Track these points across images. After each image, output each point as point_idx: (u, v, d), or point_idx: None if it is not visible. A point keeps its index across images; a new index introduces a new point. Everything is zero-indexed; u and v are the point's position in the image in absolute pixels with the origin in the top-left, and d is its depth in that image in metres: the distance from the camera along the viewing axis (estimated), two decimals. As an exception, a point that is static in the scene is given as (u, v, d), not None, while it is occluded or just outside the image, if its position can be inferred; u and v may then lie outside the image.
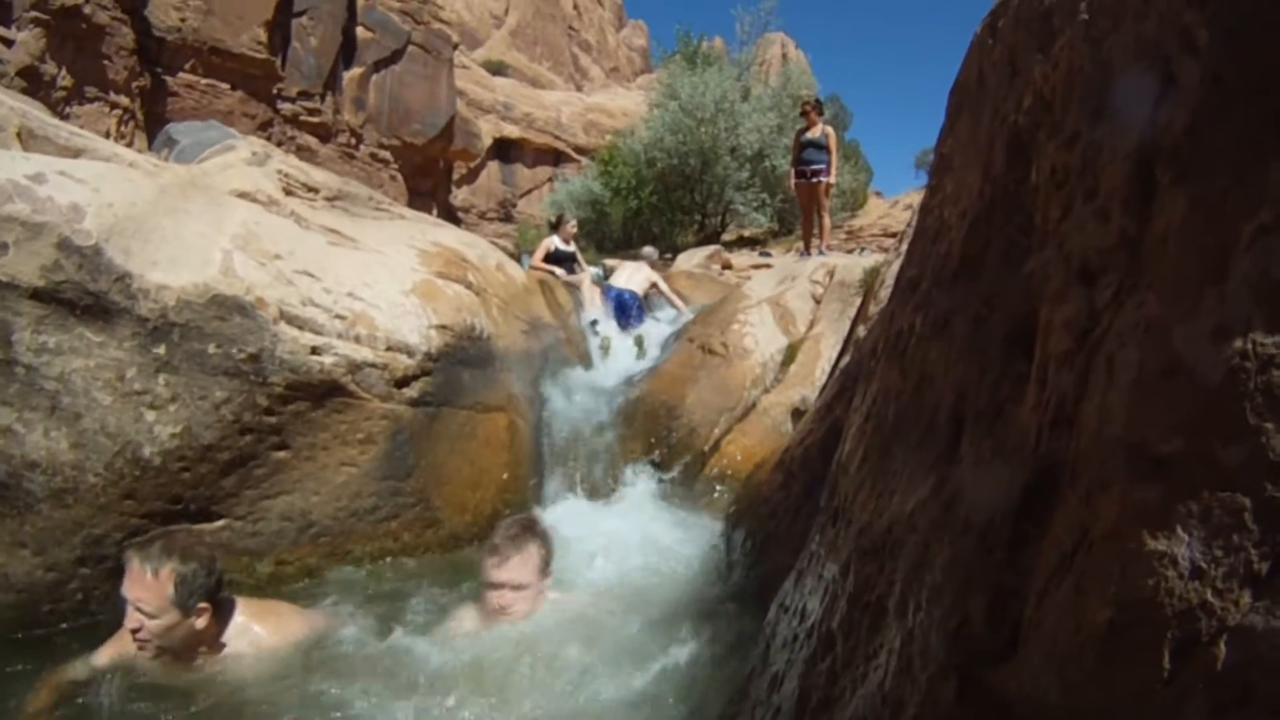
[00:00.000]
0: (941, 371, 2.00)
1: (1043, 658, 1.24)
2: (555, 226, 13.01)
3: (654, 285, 11.85)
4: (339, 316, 5.28)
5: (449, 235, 7.52)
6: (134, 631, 3.50)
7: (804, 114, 13.95)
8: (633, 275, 11.43)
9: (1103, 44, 1.55)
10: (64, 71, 21.38)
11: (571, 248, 12.77)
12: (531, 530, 4.13)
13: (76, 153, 5.42)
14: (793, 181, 14.17)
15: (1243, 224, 1.08)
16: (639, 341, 9.44)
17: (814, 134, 13.67)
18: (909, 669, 1.59)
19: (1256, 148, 1.10)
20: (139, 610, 3.48)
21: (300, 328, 5.04)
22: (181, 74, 26.40)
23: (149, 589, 3.46)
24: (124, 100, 23.57)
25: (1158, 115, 1.30)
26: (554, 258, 12.34)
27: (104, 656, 3.71)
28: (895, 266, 5.32)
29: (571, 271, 12.19)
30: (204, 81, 26.82)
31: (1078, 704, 1.14)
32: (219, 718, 3.46)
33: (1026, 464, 1.46)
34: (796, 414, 7.35)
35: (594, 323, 9.59)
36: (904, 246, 5.45)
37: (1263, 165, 1.08)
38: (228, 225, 5.20)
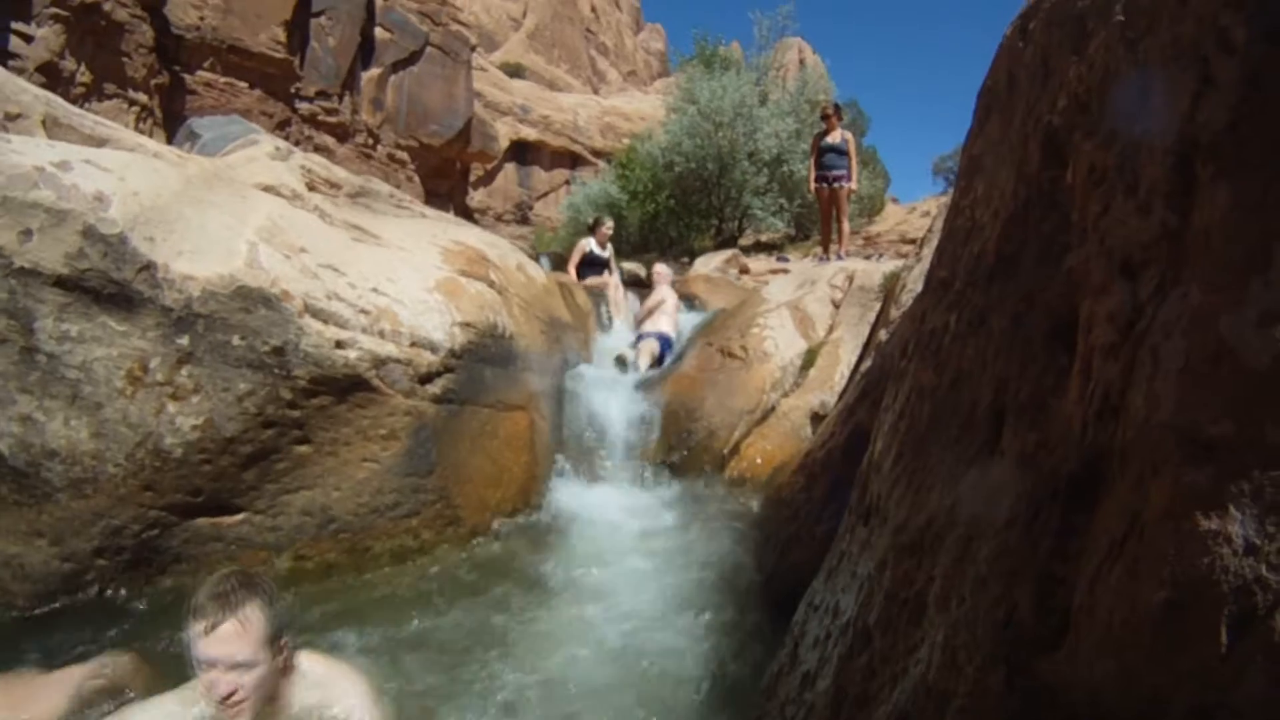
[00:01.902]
0: (979, 368, 2.01)
1: (1095, 643, 1.24)
2: (592, 229, 12.80)
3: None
4: (363, 311, 5.29)
5: (471, 234, 7.53)
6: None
7: (824, 118, 13.88)
8: (661, 315, 10.63)
9: (1139, 45, 1.56)
10: (83, 68, 21.46)
11: (607, 252, 12.56)
12: (250, 587, 2.99)
13: (101, 142, 5.44)
14: (812, 186, 14.07)
15: None
16: (620, 362, 9.43)
17: (834, 139, 13.57)
18: (954, 661, 1.59)
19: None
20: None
21: (325, 321, 5.05)
22: (200, 72, 26.47)
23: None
24: (143, 97, 23.65)
25: (1197, 113, 1.31)
26: (588, 261, 12.20)
27: None
28: (917, 271, 5.33)
29: (601, 275, 12.13)
30: (222, 80, 26.89)
31: (1133, 687, 1.14)
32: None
33: (1072, 454, 1.46)
34: (816, 418, 7.35)
35: (620, 359, 9.55)
36: (925, 251, 5.46)
37: (1303, 159, 1.09)
38: (253, 218, 5.21)
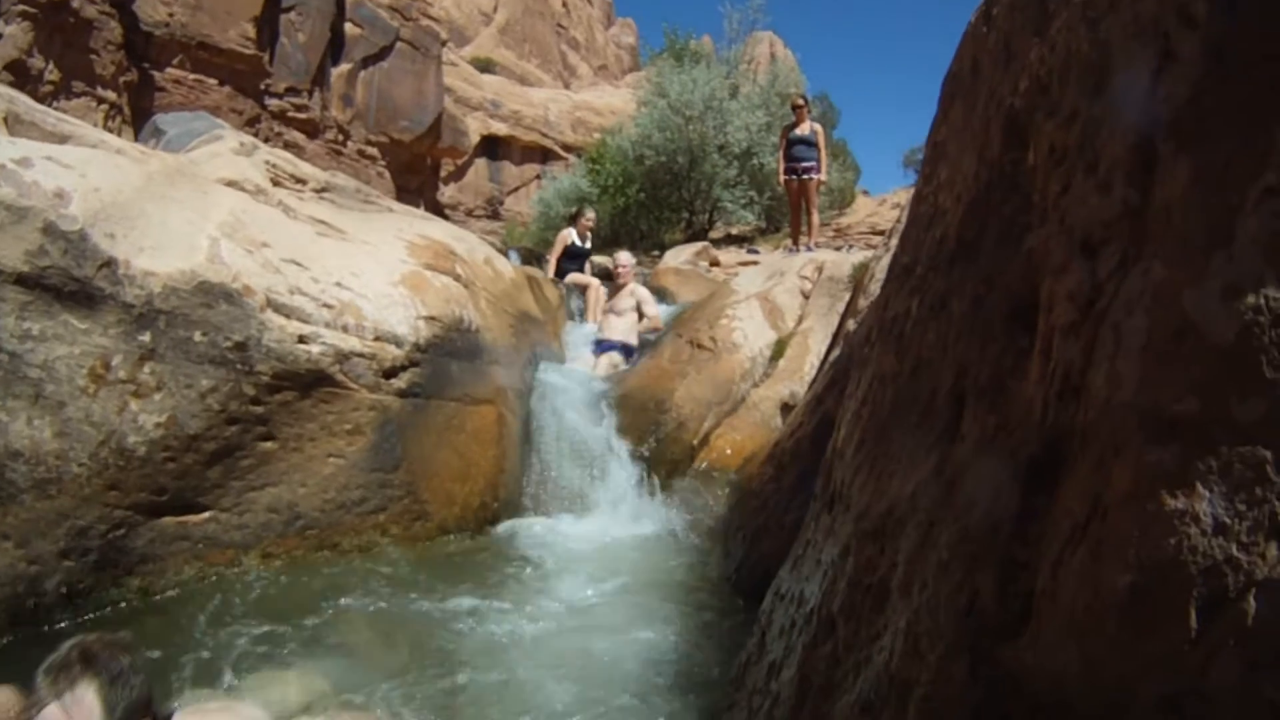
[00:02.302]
0: (939, 353, 1.99)
1: (1059, 630, 1.22)
2: (573, 219, 12.54)
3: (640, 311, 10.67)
4: (327, 305, 5.24)
5: (437, 229, 7.48)
6: None
7: (794, 109, 13.82)
8: (621, 321, 9.78)
9: (1100, 24, 1.56)
10: (51, 65, 21.24)
11: (588, 243, 12.18)
12: (90, 662, 2.48)
13: (63, 138, 5.37)
14: (781, 178, 14.04)
15: (1248, 187, 1.09)
16: None
17: (803, 130, 13.51)
18: (916, 649, 1.57)
19: (1260, 113, 1.11)
20: None
21: (288, 316, 5.01)
22: (169, 69, 26.22)
23: None
24: (111, 95, 23.43)
25: (1158, 89, 1.31)
26: (570, 254, 11.83)
27: None
28: (885, 261, 5.33)
29: (582, 269, 11.79)
30: (192, 77, 26.66)
31: (1098, 675, 1.12)
32: None
33: (1032, 436, 1.45)
34: (785, 408, 7.34)
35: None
36: (893, 241, 5.46)
37: (1267, 130, 1.09)
38: (215, 213, 5.16)
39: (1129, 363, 1.20)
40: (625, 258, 10.83)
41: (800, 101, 13.86)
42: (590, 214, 12.81)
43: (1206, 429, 1.04)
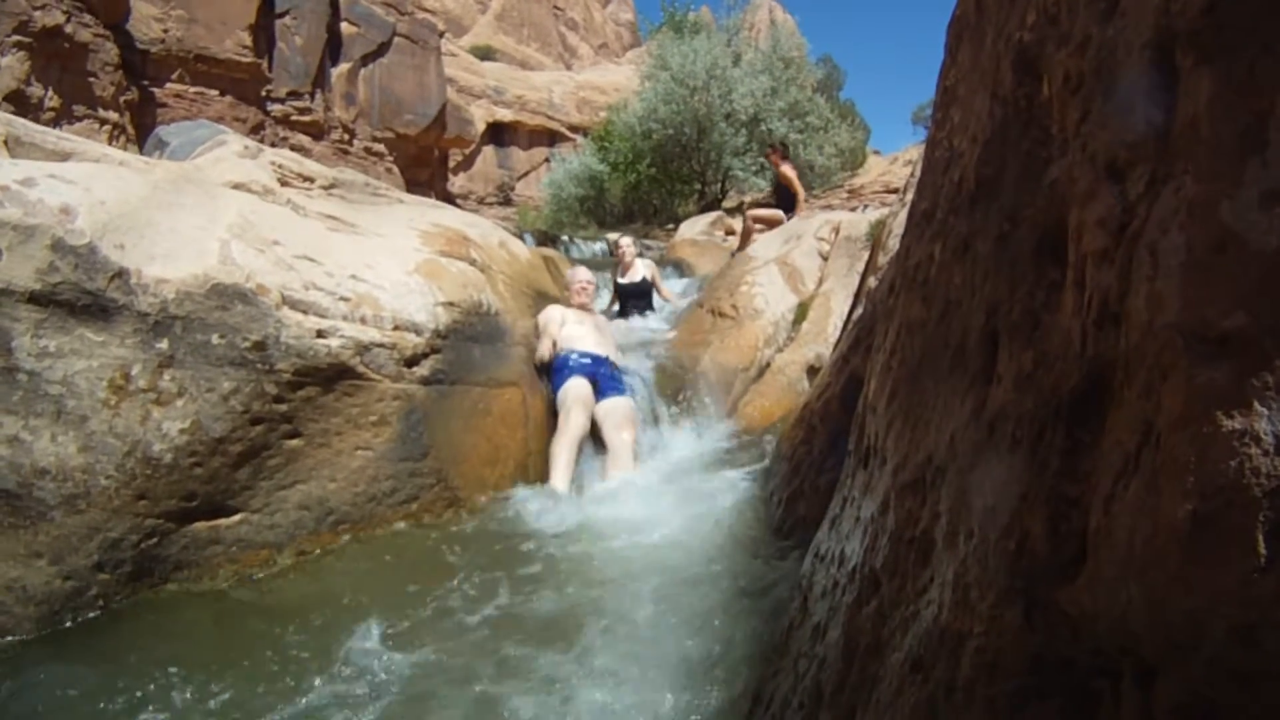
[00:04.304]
0: (968, 295, 1.95)
1: (1117, 567, 1.16)
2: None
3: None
4: (343, 299, 5.23)
5: (449, 216, 7.48)
6: None
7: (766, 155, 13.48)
8: (594, 331, 7.58)
9: (1108, -61, 1.49)
10: (50, 92, 21.28)
11: (641, 276, 10.89)
12: None
13: (65, 156, 5.36)
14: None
15: (1276, 91, 1.05)
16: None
17: (630, 278, 12.26)
18: (966, 599, 1.52)
19: (1280, 17, 1.05)
20: None
21: (304, 312, 4.99)
22: (169, 84, 26.27)
23: None
24: (113, 115, 23.47)
25: (1171, 4, 1.25)
26: (626, 293, 10.85)
27: None
28: (901, 216, 5.28)
29: (646, 305, 10.68)
30: (192, 90, 26.71)
31: (1163, 612, 1.06)
32: None
33: (1073, 369, 1.39)
34: (812, 371, 7.31)
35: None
36: (908, 196, 5.41)
37: (1291, 30, 1.02)
38: (224, 216, 5.14)
39: (1170, 282, 1.15)
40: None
41: (773, 148, 13.85)
42: (624, 241, 11.55)
43: (1258, 342, 0.99)
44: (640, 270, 10.60)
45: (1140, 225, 1.26)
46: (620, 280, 10.94)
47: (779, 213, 12.57)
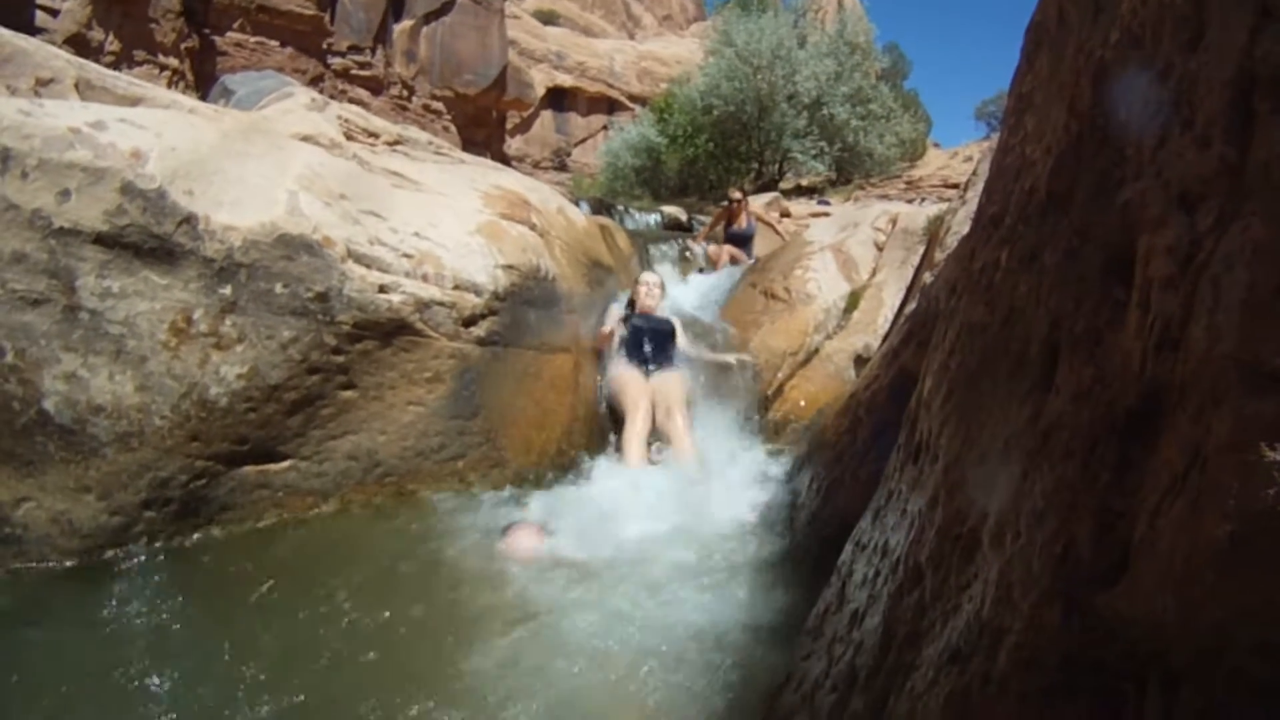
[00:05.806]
0: (1032, 304, 1.98)
1: (1156, 578, 1.22)
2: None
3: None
4: (406, 255, 5.30)
5: (510, 179, 7.51)
6: None
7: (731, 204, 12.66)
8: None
9: (1194, -23, 1.52)
10: (111, 37, 21.37)
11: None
12: None
13: (135, 101, 5.46)
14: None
15: None
16: None
17: (739, 226, 12.46)
18: (1009, 596, 1.58)
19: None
20: None
21: (368, 266, 5.07)
22: (230, 33, 26.33)
23: None
24: (173, 62, 23.59)
25: (1255, 48, 1.28)
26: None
27: None
28: (961, 214, 5.30)
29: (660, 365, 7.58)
30: (253, 40, 26.76)
31: (1195, 621, 1.13)
32: None
33: (1130, 388, 1.44)
34: (859, 361, 7.33)
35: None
36: (969, 194, 5.42)
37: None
38: (292, 167, 5.22)
39: (1229, 316, 1.20)
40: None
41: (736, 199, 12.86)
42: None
43: (1307, 382, 1.05)
44: (666, 314, 8.03)
45: (1207, 258, 1.30)
46: (636, 322, 7.77)
47: (742, 254, 11.96)
